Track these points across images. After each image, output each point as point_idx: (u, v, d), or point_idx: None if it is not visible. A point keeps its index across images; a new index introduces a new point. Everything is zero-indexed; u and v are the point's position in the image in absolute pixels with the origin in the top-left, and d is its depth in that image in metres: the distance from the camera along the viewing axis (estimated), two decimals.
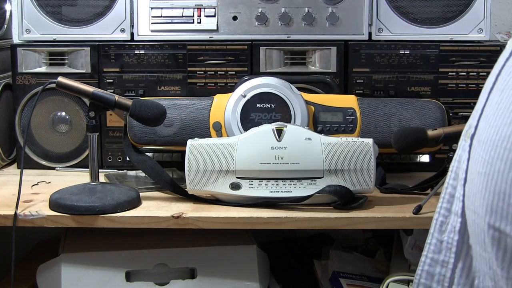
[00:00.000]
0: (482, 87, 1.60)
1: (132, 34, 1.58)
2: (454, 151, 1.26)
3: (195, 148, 1.27)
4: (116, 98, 1.27)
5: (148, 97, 1.50)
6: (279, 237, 1.78)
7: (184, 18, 1.56)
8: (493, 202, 0.69)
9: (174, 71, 1.55)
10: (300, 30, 1.56)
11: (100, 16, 1.57)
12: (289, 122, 1.37)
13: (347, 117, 1.41)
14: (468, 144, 0.78)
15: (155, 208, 1.28)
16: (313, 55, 1.55)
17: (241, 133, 1.35)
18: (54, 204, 1.26)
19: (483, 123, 0.75)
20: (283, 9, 1.55)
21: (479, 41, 1.56)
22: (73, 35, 1.57)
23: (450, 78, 1.54)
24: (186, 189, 1.30)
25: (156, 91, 1.56)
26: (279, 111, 1.39)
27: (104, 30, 1.57)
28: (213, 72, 1.55)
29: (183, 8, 1.56)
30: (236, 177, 1.27)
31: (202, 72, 1.55)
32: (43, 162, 1.57)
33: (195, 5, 1.56)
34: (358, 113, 1.41)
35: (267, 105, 1.39)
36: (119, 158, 1.58)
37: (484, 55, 1.53)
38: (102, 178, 1.40)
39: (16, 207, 1.23)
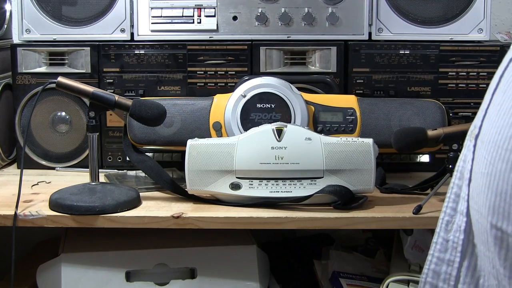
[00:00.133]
0: (482, 87, 1.62)
1: (132, 34, 1.58)
2: (454, 151, 1.28)
3: (195, 148, 1.27)
4: (116, 98, 1.27)
5: (148, 97, 1.50)
6: (279, 237, 1.78)
7: (184, 18, 1.56)
8: (495, 202, 0.70)
9: (174, 71, 1.55)
10: (300, 30, 1.56)
11: (100, 16, 1.57)
12: (289, 122, 1.37)
13: (347, 117, 1.41)
14: (472, 144, 0.78)
15: (155, 208, 1.28)
16: (313, 55, 1.55)
17: (241, 133, 1.35)
18: (54, 204, 1.26)
19: (487, 123, 0.75)
20: (283, 9, 1.55)
21: (479, 41, 1.56)
22: (73, 35, 1.57)
23: (450, 78, 1.54)
24: (186, 189, 1.30)
25: (156, 91, 1.56)
26: (279, 111, 1.39)
27: (104, 30, 1.57)
28: (213, 72, 1.55)
29: (183, 8, 1.56)
30: (236, 177, 1.27)
31: (202, 72, 1.55)
32: (43, 162, 1.57)
33: (195, 5, 1.56)
34: (358, 113, 1.41)
35: (267, 105, 1.39)
36: (119, 158, 1.58)
37: (484, 55, 1.53)
38: (102, 178, 1.40)
39: (16, 207, 1.23)
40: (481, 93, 1.53)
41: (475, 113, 1.57)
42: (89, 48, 1.55)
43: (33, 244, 1.78)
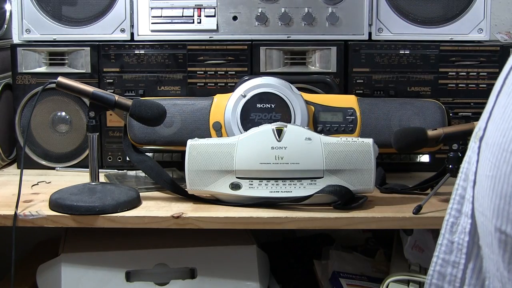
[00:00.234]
0: (482, 87, 1.62)
1: (132, 34, 1.58)
2: (454, 151, 1.28)
3: (195, 148, 1.27)
4: (116, 98, 1.27)
5: (148, 97, 1.50)
6: (279, 237, 1.78)
7: (184, 18, 1.56)
8: (500, 205, 0.70)
9: (174, 71, 1.55)
10: (300, 30, 1.56)
11: (100, 16, 1.57)
12: (289, 122, 1.37)
13: (347, 117, 1.41)
14: (477, 146, 0.78)
15: (155, 208, 1.28)
16: (313, 55, 1.55)
17: (241, 133, 1.35)
18: (54, 204, 1.26)
19: (491, 125, 0.75)
20: (283, 9, 1.55)
21: (479, 41, 1.56)
22: (73, 35, 1.57)
23: (450, 78, 1.54)
24: (186, 189, 1.30)
25: (156, 91, 1.56)
26: (279, 111, 1.39)
27: (104, 30, 1.57)
28: (213, 72, 1.55)
29: (183, 8, 1.56)
30: (236, 177, 1.27)
31: (202, 72, 1.55)
32: (43, 162, 1.57)
33: (195, 5, 1.56)
34: (358, 113, 1.41)
35: (267, 105, 1.39)
36: (119, 158, 1.58)
37: (484, 55, 1.53)
38: (102, 178, 1.40)
39: (16, 207, 1.23)
40: (481, 93, 1.53)
41: (475, 113, 1.59)
42: (89, 48, 1.55)
43: (33, 244, 1.78)
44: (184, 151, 1.28)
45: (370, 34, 1.56)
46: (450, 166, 1.27)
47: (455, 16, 1.55)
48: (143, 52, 1.55)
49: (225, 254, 1.40)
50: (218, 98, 1.43)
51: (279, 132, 1.27)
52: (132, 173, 1.52)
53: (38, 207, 1.27)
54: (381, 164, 1.47)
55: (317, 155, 1.25)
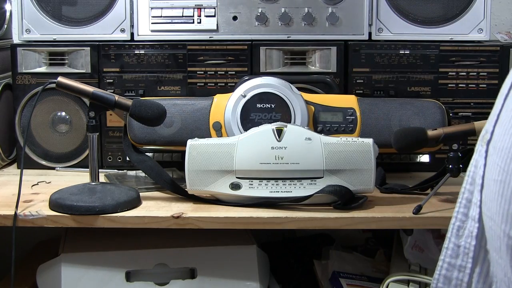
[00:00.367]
0: (482, 87, 1.62)
1: (132, 34, 1.58)
2: (454, 151, 1.27)
3: (195, 148, 1.27)
4: (116, 98, 1.27)
5: (148, 97, 1.50)
6: (279, 237, 1.78)
7: (184, 18, 1.56)
8: (509, 210, 0.69)
9: (174, 71, 1.55)
10: (300, 30, 1.56)
11: (100, 16, 1.57)
12: (289, 122, 1.37)
13: (347, 117, 1.41)
14: (484, 150, 0.78)
15: (155, 208, 1.28)
16: (313, 55, 1.55)
17: (241, 133, 1.35)
18: (54, 204, 1.26)
19: (499, 129, 0.74)
20: (283, 9, 1.55)
21: (479, 41, 1.56)
22: (73, 35, 1.57)
23: (450, 78, 1.54)
24: (186, 189, 1.30)
25: (156, 91, 1.56)
26: (279, 111, 1.39)
27: (104, 30, 1.57)
28: (213, 72, 1.55)
29: (183, 8, 1.56)
30: (236, 177, 1.27)
31: (202, 72, 1.55)
32: (43, 162, 1.57)
33: (195, 5, 1.56)
34: (358, 113, 1.41)
35: (267, 105, 1.39)
36: (119, 158, 1.58)
37: (484, 55, 1.53)
38: (102, 178, 1.40)
39: (16, 207, 1.23)
40: (481, 93, 1.53)
41: (475, 113, 1.59)
42: (89, 48, 1.55)
43: (33, 244, 1.78)
44: (184, 151, 1.28)
45: (370, 34, 1.56)
46: (450, 166, 1.27)
47: (455, 16, 1.55)
48: (143, 52, 1.55)
49: (225, 254, 1.40)
50: (218, 98, 1.43)
51: (279, 132, 1.27)
52: (132, 173, 1.52)
53: (38, 207, 1.27)
54: (381, 164, 1.47)
55: (317, 155, 1.25)
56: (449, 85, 1.54)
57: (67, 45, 1.56)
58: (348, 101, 1.43)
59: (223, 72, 1.55)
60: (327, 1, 1.55)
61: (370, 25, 1.56)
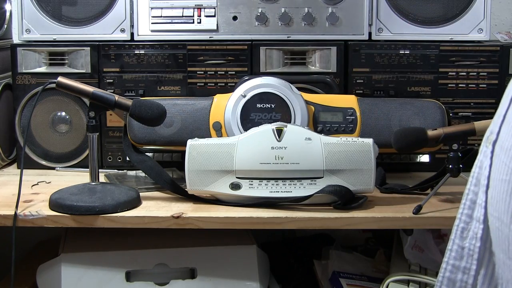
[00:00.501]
0: (482, 87, 1.62)
1: (132, 34, 1.58)
2: (454, 151, 1.27)
3: (195, 148, 1.27)
4: (116, 98, 1.27)
5: (148, 97, 1.50)
6: (279, 237, 1.78)
7: (184, 18, 1.56)
8: None
9: (174, 71, 1.55)
10: (300, 30, 1.56)
11: (100, 16, 1.57)
12: (289, 122, 1.37)
13: (347, 117, 1.41)
14: (490, 151, 0.77)
15: (155, 208, 1.28)
16: (313, 55, 1.55)
17: (241, 133, 1.35)
18: (54, 204, 1.26)
19: (506, 129, 0.74)
20: (283, 9, 1.55)
21: (479, 41, 1.56)
22: (73, 35, 1.57)
23: (450, 78, 1.54)
24: (186, 189, 1.30)
25: (156, 91, 1.56)
26: (279, 111, 1.39)
27: (104, 30, 1.57)
28: (213, 72, 1.55)
29: (183, 8, 1.56)
30: (236, 177, 1.27)
31: (202, 72, 1.55)
32: (43, 162, 1.57)
33: (195, 5, 1.56)
34: (358, 113, 1.41)
35: (267, 105, 1.39)
36: (119, 158, 1.58)
37: (484, 55, 1.53)
38: (102, 178, 1.40)
39: (16, 207, 1.23)
40: (481, 93, 1.53)
41: (475, 113, 1.59)
42: (89, 48, 1.55)
43: (33, 244, 1.78)
44: (184, 151, 1.28)
45: (370, 34, 1.56)
46: (450, 166, 1.27)
47: (455, 16, 1.55)
48: (143, 52, 1.55)
49: (225, 254, 1.40)
50: (218, 98, 1.43)
51: (279, 132, 1.27)
52: (132, 173, 1.52)
53: (38, 207, 1.27)
54: (381, 164, 1.47)
55: (317, 155, 1.25)
56: (449, 85, 1.54)
57: (67, 45, 1.56)
58: (348, 101, 1.43)
59: (223, 72, 1.55)
60: (327, 1, 1.55)
61: (370, 25, 1.56)
